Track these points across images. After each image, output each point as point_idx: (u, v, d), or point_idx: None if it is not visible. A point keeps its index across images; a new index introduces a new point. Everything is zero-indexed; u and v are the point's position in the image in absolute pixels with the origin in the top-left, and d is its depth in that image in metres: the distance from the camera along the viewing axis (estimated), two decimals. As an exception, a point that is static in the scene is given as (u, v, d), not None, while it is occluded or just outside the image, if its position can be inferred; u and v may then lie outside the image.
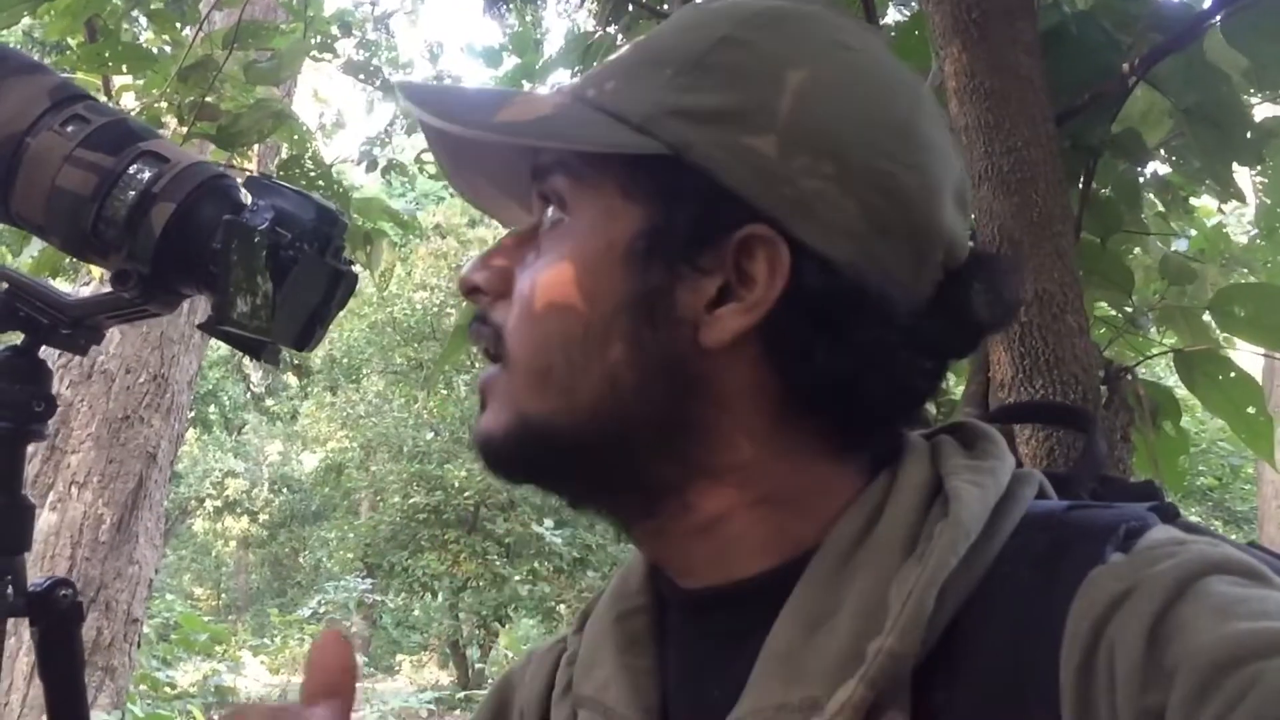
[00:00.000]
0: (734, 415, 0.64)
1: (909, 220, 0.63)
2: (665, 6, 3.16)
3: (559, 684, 0.74)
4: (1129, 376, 1.63)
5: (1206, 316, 2.26)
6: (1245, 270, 3.30)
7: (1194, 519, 0.67)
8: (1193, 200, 3.15)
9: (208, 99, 2.54)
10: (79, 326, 1.07)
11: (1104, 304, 2.13)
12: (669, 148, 0.62)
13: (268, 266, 0.96)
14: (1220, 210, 2.75)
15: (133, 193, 0.99)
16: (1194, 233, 3.18)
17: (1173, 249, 2.82)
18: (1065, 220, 1.56)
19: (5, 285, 1.02)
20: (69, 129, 1.00)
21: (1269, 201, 2.20)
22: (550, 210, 0.67)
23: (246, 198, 1.01)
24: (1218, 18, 1.75)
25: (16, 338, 1.03)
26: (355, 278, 1.05)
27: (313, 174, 2.68)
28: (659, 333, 0.63)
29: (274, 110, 2.59)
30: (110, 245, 1.00)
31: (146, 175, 0.99)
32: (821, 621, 0.60)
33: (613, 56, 0.70)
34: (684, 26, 0.67)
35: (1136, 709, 0.50)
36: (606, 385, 0.63)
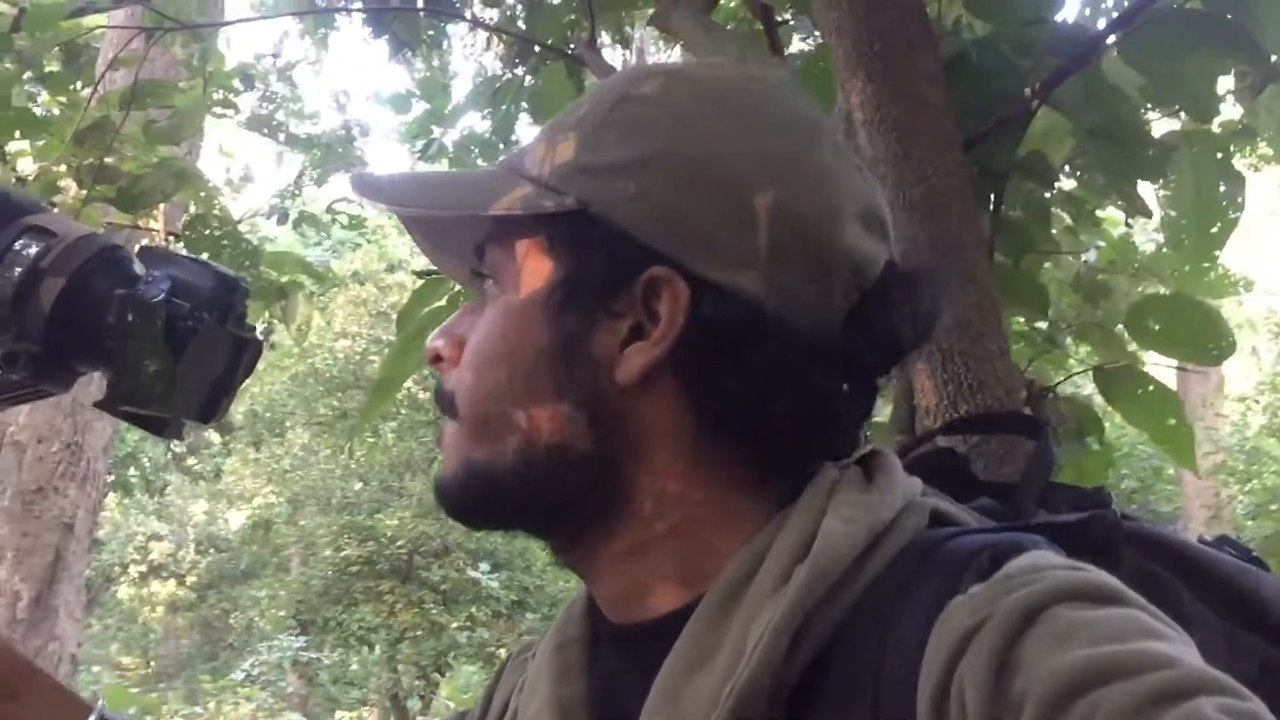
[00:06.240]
0: (654, 448, 0.68)
1: (806, 246, 0.67)
2: (572, 48, 3.16)
3: (510, 708, 0.78)
4: (1051, 396, 1.64)
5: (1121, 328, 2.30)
6: (1156, 279, 3.37)
7: (1147, 523, 0.70)
8: (1099, 212, 3.21)
9: (107, 161, 2.47)
10: (-31, 410, 1.02)
11: (1020, 321, 2.15)
12: (576, 202, 0.68)
13: (166, 339, 0.92)
14: (1127, 224, 2.80)
15: (19, 269, 0.94)
16: (1102, 244, 3.24)
17: (1083, 260, 2.87)
18: (978, 245, 1.57)
19: None
20: (-57, 207, 0.95)
21: (1173, 214, 2.24)
22: (488, 279, 0.73)
23: (140, 269, 0.97)
24: (1112, 38, 1.78)
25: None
26: (260, 345, 1.02)
27: (217, 232, 2.62)
28: (579, 375, 0.68)
29: (177, 169, 2.52)
30: (-3, 326, 0.95)
31: (33, 250, 0.95)
32: (702, 662, 0.63)
33: (539, 129, 0.77)
34: (592, 94, 0.74)
35: None
36: (533, 428, 0.68)
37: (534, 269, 0.70)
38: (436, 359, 0.75)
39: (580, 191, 0.68)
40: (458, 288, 2.16)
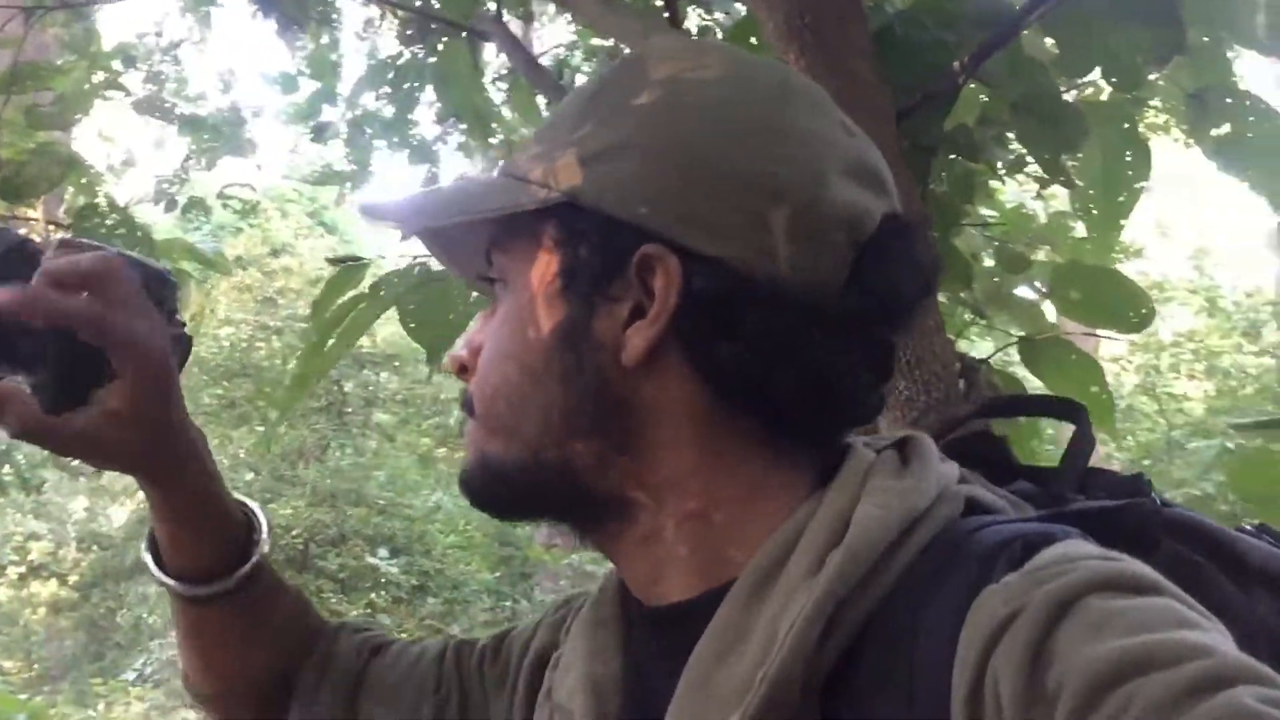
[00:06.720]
0: (666, 428, 0.68)
1: (790, 209, 0.66)
2: (471, 24, 3.09)
3: (544, 685, 0.79)
4: (984, 369, 1.65)
5: (1031, 295, 2.34)
6: (1049, 248, 3.44)
7: (1186, 511, 0.69)
8: (992, 183, 3.26)
9: (-14, 149, 2.32)
10: None
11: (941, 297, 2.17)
12: (563, 194, 0.69)
13: (94, 339, 0.86)
14: (1040, 195, 2.85)
15: (-75, 268, 0.87)
16: (995, 214, 3.29)
17: (981, 231, 2.90)
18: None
19: None
20: None
21: (1081, 184, 2.28)
22: (498, 282, 0.75)
23: (57, 265, 0.90)
24: (1036, 12, 1.79)
25: None
26: (190, 339, 0.96)
27: (111, 220, 2.49)
28: (584, 361, 0.68)
29: (63, 156, 2.38)
30: (-99, 330, 0.87)
31: (-61, 248, 0.87)
32: (734, 648, 0.62)
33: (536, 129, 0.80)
34: (576, 92, 0.77)
35: None
36: (544, 418, 0.69)
37: (535, 266, 0.71)
38: (462, 369, 0.76)
39: (567, 183, 0.69)
40: (375, 278, 2.10)
